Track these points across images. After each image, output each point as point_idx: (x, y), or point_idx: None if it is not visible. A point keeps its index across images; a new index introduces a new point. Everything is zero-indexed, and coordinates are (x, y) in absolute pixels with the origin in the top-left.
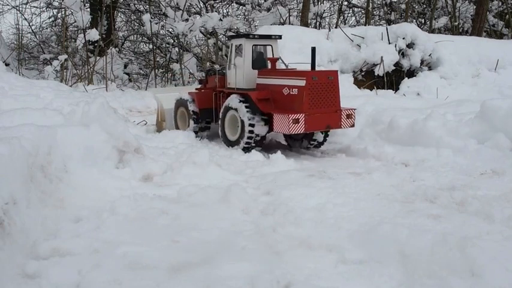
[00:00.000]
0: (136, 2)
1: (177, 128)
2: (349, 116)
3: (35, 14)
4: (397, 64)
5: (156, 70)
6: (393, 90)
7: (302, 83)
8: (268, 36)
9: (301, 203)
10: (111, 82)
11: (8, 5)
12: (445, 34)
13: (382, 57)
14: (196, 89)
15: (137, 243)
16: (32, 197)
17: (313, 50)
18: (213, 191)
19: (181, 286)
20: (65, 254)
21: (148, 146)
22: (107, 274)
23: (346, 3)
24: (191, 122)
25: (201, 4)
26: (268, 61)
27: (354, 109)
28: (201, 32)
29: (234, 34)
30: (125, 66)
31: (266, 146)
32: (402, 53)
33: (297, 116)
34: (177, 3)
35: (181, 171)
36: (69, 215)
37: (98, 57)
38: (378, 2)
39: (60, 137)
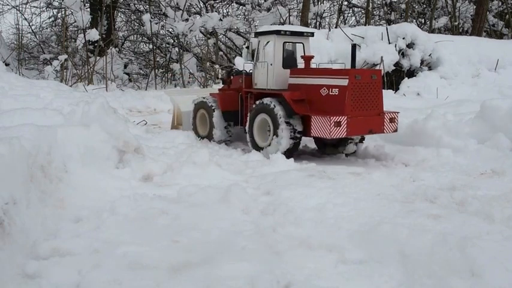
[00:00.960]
0: (136, 2)
1: (196, 132)
2: (392, 120)
3: (35, 14)
4: (397, 64)
5: (156, 70)
6: (393, 90)
7: (344, 82)
8: (300, 33)
9: (301, 203)
10: (111, 82)
11: (8, 5)
12: (445, 34)
13: (382, 57)
14: (219, 89)
15: (137, 243)
16: (32, 197)
17: (354, 47)
18: (213, 191)
19: (181, 286)
20: (65, 254)
21: (148, 146)
22: (107, 274)
23: (346, 3)
24: (218, 130)
25: (201, 4)
26: (302, 59)
27: (397, 112)
28: (201, 32)
29: (262, 30)
30: (125, 66)
31: None
32: (402, 53)
33: (338, 118)
34: (177, 3)
35: (181, 171)
36: (69, 215)
37: (98, 57)
38: (378, 2)
39: (60, 137)
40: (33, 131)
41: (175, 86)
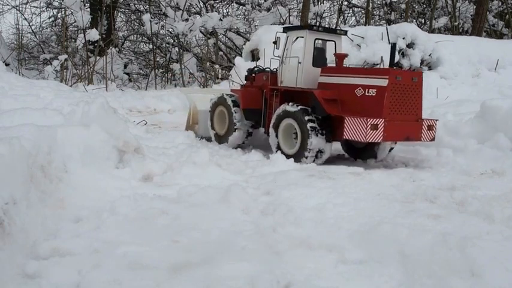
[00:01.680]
0: (136, 2)
1: (213, 129)
2: (430, 128)
3: (35, 14)
4: (397, 64)
5: (156, 70)
6: None
7: (383, 82)
8: (333, 30)
9: (301, 203)
10: (111, 82)
11: (8, 5)
12: (445, 34)
13: (382, 57)
14: (241, 86)
15: (137, 243)
16: (32, 197)
17: (394, 46)
18: (213, 191)
19: (181, 286)
20: (65, 254)
21: (148, 146)
22: (107, 274)
23: (346, 3)
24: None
25: (201, 4)
26: (335, 57)
27: (436, 120)
28: (201, 32)
29: (292, 25)
30: (125, 66)
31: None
32: (402, 53)
33: (375, 121)
34: (177, 3)
35: (181, 171)
36: (69, 215)
37: (98, 57)
38: (378, 2)
39: (60, 137)
40: (33, 131)
41: (175, 86)
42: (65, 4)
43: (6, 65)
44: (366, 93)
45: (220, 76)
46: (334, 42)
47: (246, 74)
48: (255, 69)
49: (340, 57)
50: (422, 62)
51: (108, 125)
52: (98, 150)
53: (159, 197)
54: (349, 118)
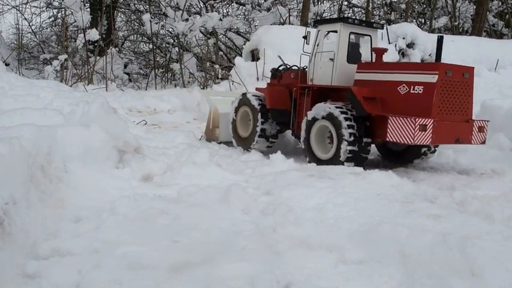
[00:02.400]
0: (136, 2)
1: (236, 132)
2: (481, 129)
3: (35, 14)
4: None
5: (156, 70)
6: None
7: (432, 78)
8: (370, 24)
9: (301, 203)
10: (111, 82)
11: (8, 5)
12: (445, 34)
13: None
14: (267, 84)
15: (137, 243)
16: (32, 197)
17: (441, 39)
18: (213, 191)
19: (181, 286)
20: (65, 254)
21: (148, 146)
22: (107, 274)
23: (346, 3)
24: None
25: (201, 4)
26: (374, 52)
27: (487, 121)
28: (201, 32)
29: (324, 18)
30: (125, 66)
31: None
32: (402, 53)
33: (424, 121)
34: (177, 3)
35: (181, 171)
36: (69, 215)
37: (98, 57)
38: (378, 2)
39: (60, 137)
40: (33, 131)
41: (175, 86)
42: (65, 4)
43: (6, 65)
44: (411, 91)
45: (220, 76)
46: (370, 36)
47: (272, 72)
48: (281, 67)
49: (379, 52)
50: (422, 62)
51: (108, 125)
52: (98, 150)
53: (159, 197)
54: (393, 118)
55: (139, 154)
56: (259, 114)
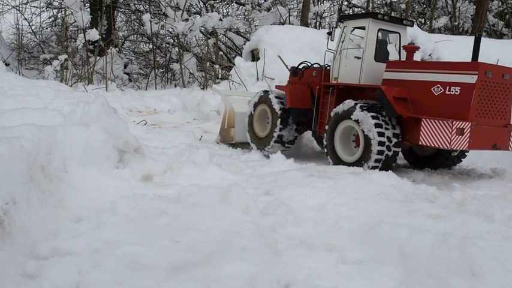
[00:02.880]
0: (136, 2)
1: (252, 133)
2: None
3: (35, 14)
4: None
5: (156, 70)
6: None
7: (471, 79)
8: (399, 20)
9: (301, 203)
10: (111, 82)
11: (8, 5)
12: (445, 34)
13: None
14: (288, 81)
15: (137, 243)
16: (32, 197)
17: (479, 38)
18: (213, 191)
19: (181, 286)
20: (65, 254)
21: (148, 146)
22: (107, 274)
23: (346, 3)
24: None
25: (201, 4)
26: (405, 50)
27: None
28: (201, 32)
29: (349, 13)
30: (125, 66)
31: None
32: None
33: (462, 124)
34: (177, 3)
35: (181, 171)
36: (69, 215)
37: (98, 57)
38: (378, 2)
39: (60, 137)
40: (33, 131)
41: (175, 86)
42: (65, 4)
43: (6, 65)
44: (447, 92)
45: (220, 76)
46: (399, 34)
47: (291, 70)
48: (301, 65)
49: (410, 50)
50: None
51: (108, 125)
52: (98, 150)
53: (159, 197)
54: (427, 120)
55: (139, 154)
56: (279, 119)
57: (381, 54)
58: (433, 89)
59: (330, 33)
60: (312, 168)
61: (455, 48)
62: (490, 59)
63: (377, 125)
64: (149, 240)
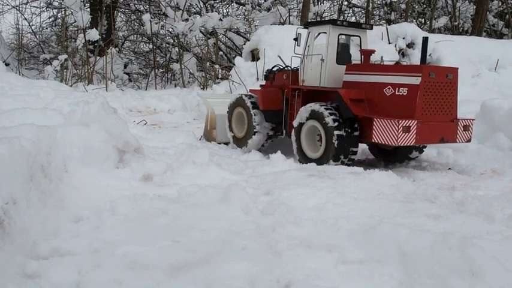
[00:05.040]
0: (136, 2)
1: (232, 132)
2: (466, 128)
3: (35, 14)
4: (397, 64)
5: (156, 70)
6: None
7: (416, 80)
8: (358, 25)
9: (301, 203)
10: (111, 82)
11: (8, 5)
12: (445, 34)
13: (382, 57)
14: (260, 86)
15: (137, 243)
16: (32, 197)
17: (426, 40)
18: (213, 191)
19: (181, 286)
20: (65, 254)
21: (148, 146)
22: (107, 274)
23: (346, 3)
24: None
25: (201, 4)
26: (361, 53)
27: (472, 119)
28: (201, 32)
29: (314, 20)
30: (125, 66)
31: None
32: (402, 53)
33: (408, 122)
34: (177, 3)
35: (181, 171)
36: (69, 215)
37: (98, 57)
38: (378, 2)
39: (60, 137)
40: (33, 131)
41: (175, 86)
42: (65, 4)
43: (6, 65)
44: (396, 93)
45: (220, 76)
46: (359, 37)
47: (265, 73)
48: (274, 68)
49: (366, 53)
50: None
51: (108, 125)
52: (98, 150)
53: (159, 197)
54: (378, 120)
55: (139, 154)
56: (253, 115)
57: (343, 57)
58: (385, 90)
59: (296, 39)
60: (312, 168)
61: (455, 48)
62: (490, 59)
63: (336, 125)
64: (149, 240)
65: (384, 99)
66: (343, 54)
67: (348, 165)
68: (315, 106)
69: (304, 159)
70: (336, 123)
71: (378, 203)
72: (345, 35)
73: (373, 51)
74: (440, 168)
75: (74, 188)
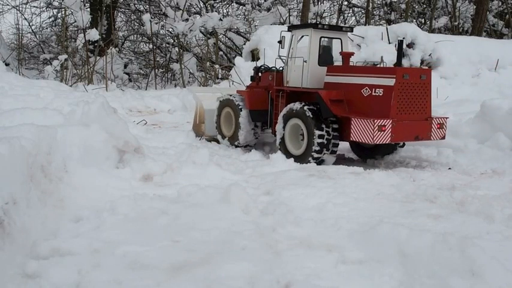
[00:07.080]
0: (136, 2)
1: (220, 132)
2: (440, 126)
3: (35, 14)
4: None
5: (156, 70)
6: None
7: (390, 82)
8: (339, 28)
9: (301, 202)
10: (111, 82)
11: (8, 5)
12: (445, 34)
13: (382, 57)
14: (246, 87)
15: (137, 243)
16: (32, 197)
17: (401, 43)
18: (213, 191)
19: (181, 286)
20: (65, 254)
21: (148, 146)
22: (107, 274)
23: (346, 3)
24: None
25: (201, 4)
26: (340, 56)
27: (447, 118)
28: (201, 32)
29: (297, 24)
30: (125, 66)
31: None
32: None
33: (383, 122)
34: (177, 3)
35: (181, 171)
36: (69, 215)
37: (98, 57)
38: (378, 2)
39: (60, 137)
40: (33, 131)
41: (175, 86)
42: (65, 4)
43: (6, 65)
44: (373, 93)
45: (220, 76)
46: (340, 39)
47: (252, 75)
48: (261, 68)
49: (346, 55)
50: (422, 62)
51: (108, 125)
52: (98, 150)
53: (159, 197)
54: (355, 119)
55: (139, 154)
56: (241, 115)
57: (324, 59)
58: (363, 91)
59: (280, 42)
60: (312, 168)
61: (455, 48)
62: (490, 59)
63: (317, 124)
64: (149, 240)
65: (361, 99)
66: (324, 56)
67: (317, 163)
68: (294, 105)
69: (287, 154)
70: (316, 122)
71: (378, 203)
72: (327, 37)
73: (352, 53)
74: (441, 168)
75: (74, 188)
